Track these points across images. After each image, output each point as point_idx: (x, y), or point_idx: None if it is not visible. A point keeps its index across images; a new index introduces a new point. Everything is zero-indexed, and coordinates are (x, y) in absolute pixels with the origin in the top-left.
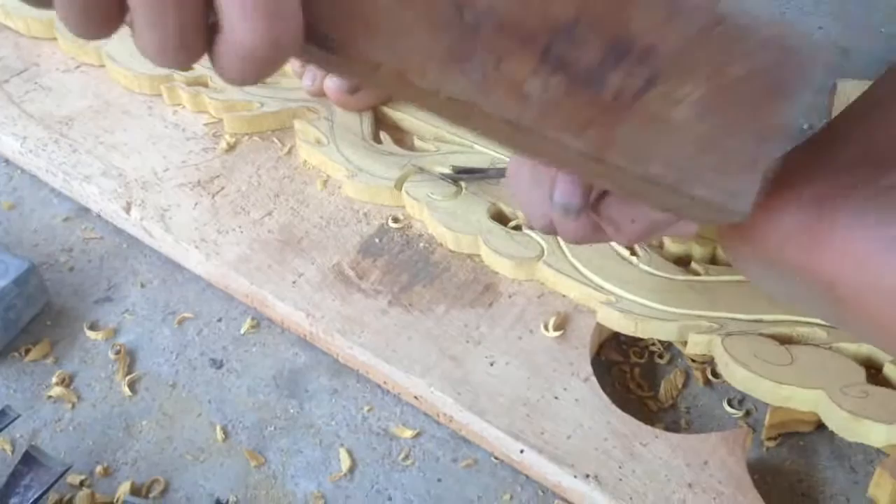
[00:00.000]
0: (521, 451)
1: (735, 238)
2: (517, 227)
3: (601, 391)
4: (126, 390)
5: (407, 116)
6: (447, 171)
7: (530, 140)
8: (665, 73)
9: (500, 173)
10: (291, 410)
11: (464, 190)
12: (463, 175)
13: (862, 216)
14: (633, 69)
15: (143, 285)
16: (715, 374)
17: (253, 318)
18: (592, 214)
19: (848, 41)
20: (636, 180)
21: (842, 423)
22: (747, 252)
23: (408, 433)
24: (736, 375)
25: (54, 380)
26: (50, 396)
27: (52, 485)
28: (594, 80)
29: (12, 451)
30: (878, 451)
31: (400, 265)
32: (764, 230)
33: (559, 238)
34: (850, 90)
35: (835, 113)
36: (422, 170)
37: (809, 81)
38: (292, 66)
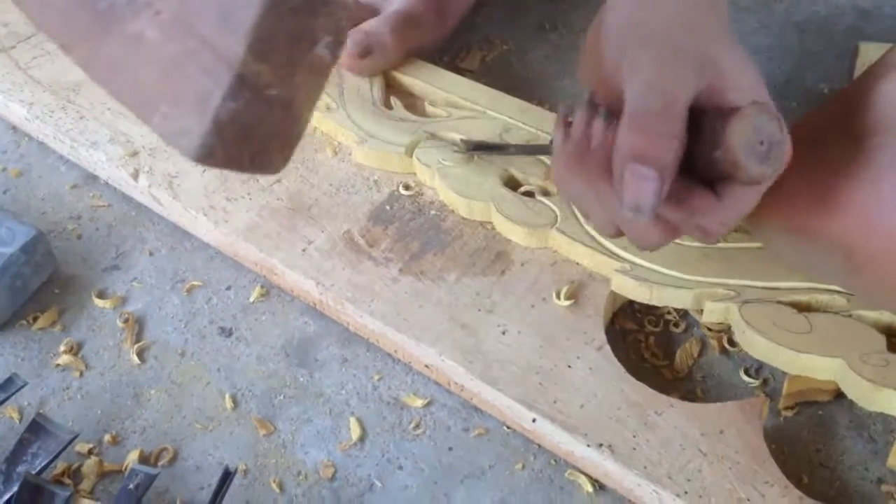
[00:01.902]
0: (534, 420)
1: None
2: (529, 194)
3: (615, 360)
4: (134, 358)
5: (417, 81)
6: (462, 140)
7: None
8: None
9: (520, 150)
10: (301, 379)
11: (476, 156)
12: (482, 150)
13: (881, 181)
14: None
15: (151, 253)
16: (731, 342)
17: (262, 287)
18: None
19: (869, 4)
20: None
21: (861, 392)
22: (765, 218)
23: (418, 402)
24: (753, 344)
25: (62, 348)
26: (58, 364)
27: (59, 453)
28: None
29: (20, 419)
30: None
31: (411, 233)
32: (783, 196)
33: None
34: (871, 53)
35: (857, 75)
36: (433, 136)
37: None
38: None
